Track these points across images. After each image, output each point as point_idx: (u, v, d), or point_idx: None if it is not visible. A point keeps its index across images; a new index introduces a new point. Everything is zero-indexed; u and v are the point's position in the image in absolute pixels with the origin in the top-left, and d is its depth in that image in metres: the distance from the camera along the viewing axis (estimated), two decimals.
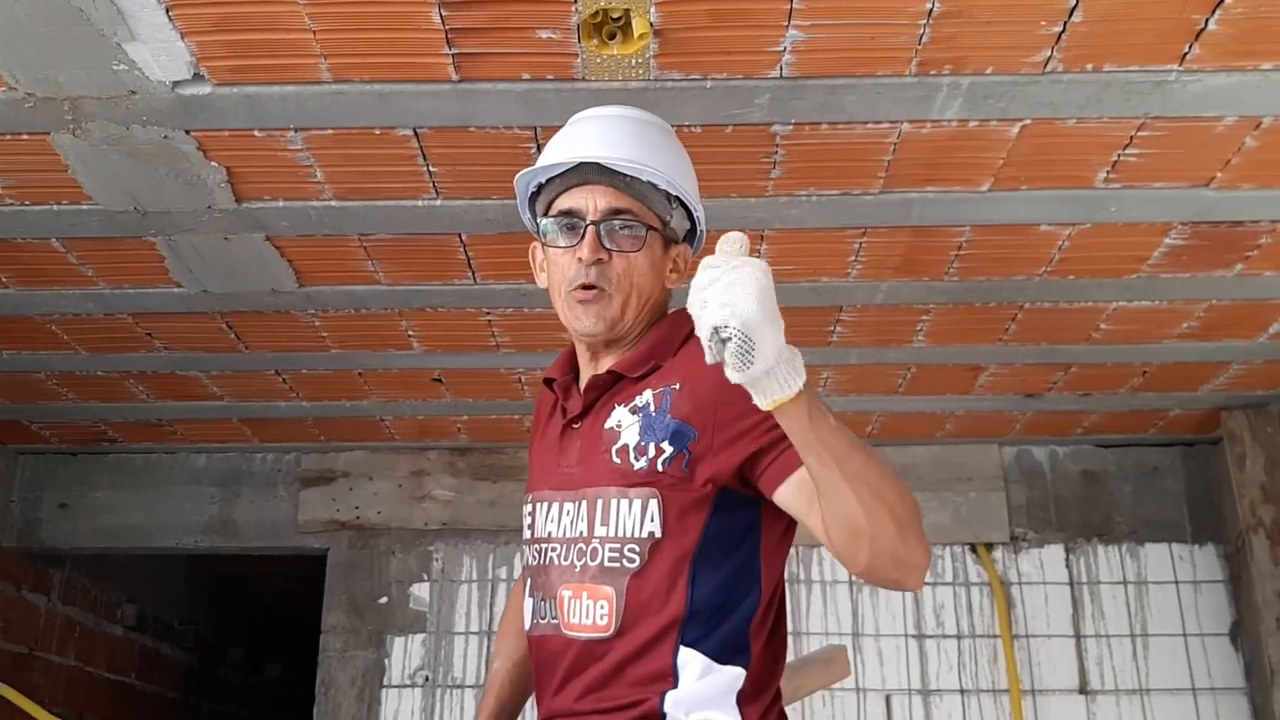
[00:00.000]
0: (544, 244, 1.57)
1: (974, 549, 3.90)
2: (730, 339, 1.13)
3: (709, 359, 1.15)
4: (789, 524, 1.44)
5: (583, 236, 1.48)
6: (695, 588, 1.37)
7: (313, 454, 4.04)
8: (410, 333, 3.09)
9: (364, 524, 3.97)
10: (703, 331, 1.15)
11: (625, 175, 1.49)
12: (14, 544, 3.98)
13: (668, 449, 1.39)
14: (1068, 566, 3.89)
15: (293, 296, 2.86)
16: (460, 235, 2.60)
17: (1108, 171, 2.33)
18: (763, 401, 1.19)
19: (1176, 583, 3.86)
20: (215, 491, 4.04)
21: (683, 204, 1.55)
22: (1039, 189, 2.40)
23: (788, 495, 1.34)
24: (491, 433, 3.89)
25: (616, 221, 1.49)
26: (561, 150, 1.54)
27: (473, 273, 2.76)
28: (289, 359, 3.26)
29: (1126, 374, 3.38)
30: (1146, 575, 3.87)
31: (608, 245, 1.48)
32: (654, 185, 1.50)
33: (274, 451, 4.06)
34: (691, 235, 1.61)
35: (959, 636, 3.81)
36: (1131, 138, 2.21)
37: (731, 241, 1.19)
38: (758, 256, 1.25)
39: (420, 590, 3.90)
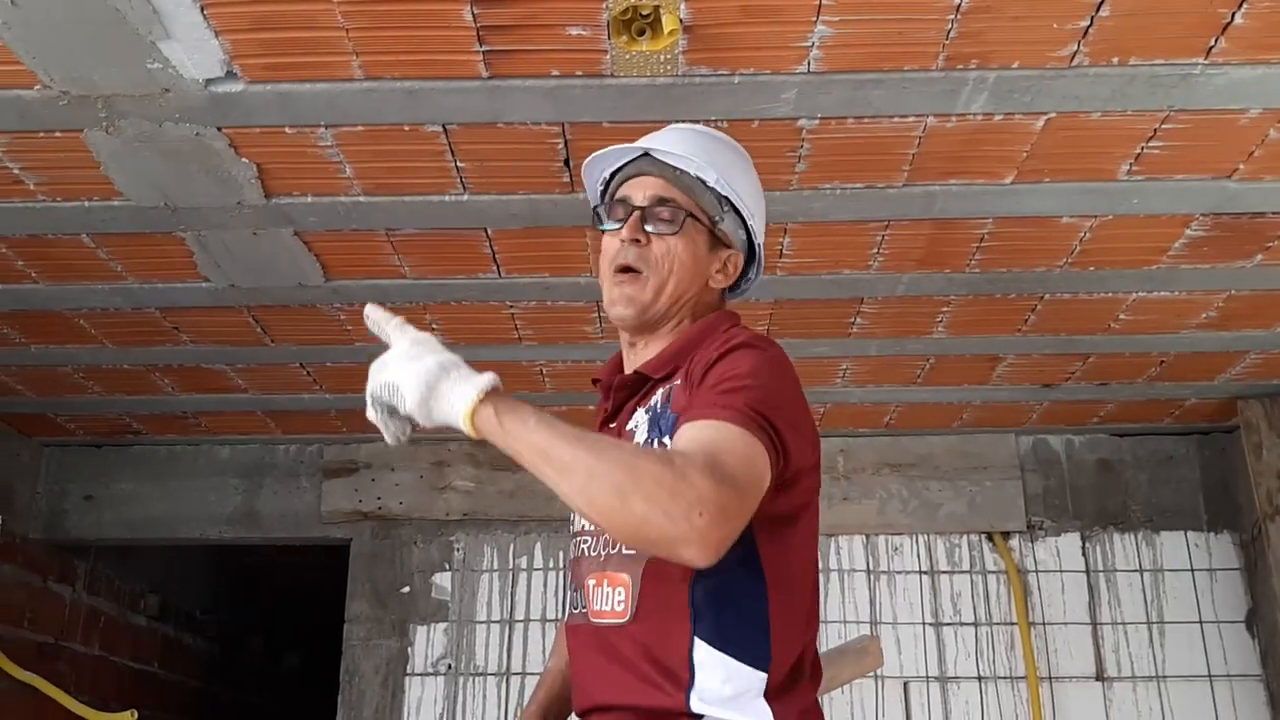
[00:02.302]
0: (602, 233, 1.61)
1: (991, 538, 3.93)
2: (375, 396, 1.29)
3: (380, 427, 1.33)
4: (793, 516, 1.41)
5: (627, 220, 1.53)
6: (696, 578, 1.36)
7: (335, 445, 4.08)
8: (434, 326, 3.11)
9: (386, 514, 4.00)
10: (370, 414, 1.33)
11: (676, 169, 1.54)
12: (40, 535, 4.02)
13: (669, 443, 1.39)
14: (1084, 554, 3.91)
15: (319, 290, 2.89)
16: (486, 230, 2.62)
17: (1131, 164, 2.35)
18: (460, 426, 1.25)
19: (1192, 570, 3.88)
20: (239, 483, 4.08)
21: (736, 211, 1.57)
22: (1062, 181, 2.41)
23: None
24: None
25: (662, 209, 1.53)
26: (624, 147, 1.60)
27: (497, 267, 2.79)
28: (314, 352, 3.29)
29: (1144, 364, 3.39)
30: (1162, 563, 3.89)
31: (649, 229, 1.52)
32: (704, 183, 1.53)
33: (297, 443, 4.09)
34: (752, 255, 1.62)
35: (976, 624, 3.84)
36: (1155, 130, 2.23)
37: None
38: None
39: (442, 580, 3.94)
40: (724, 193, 1.54)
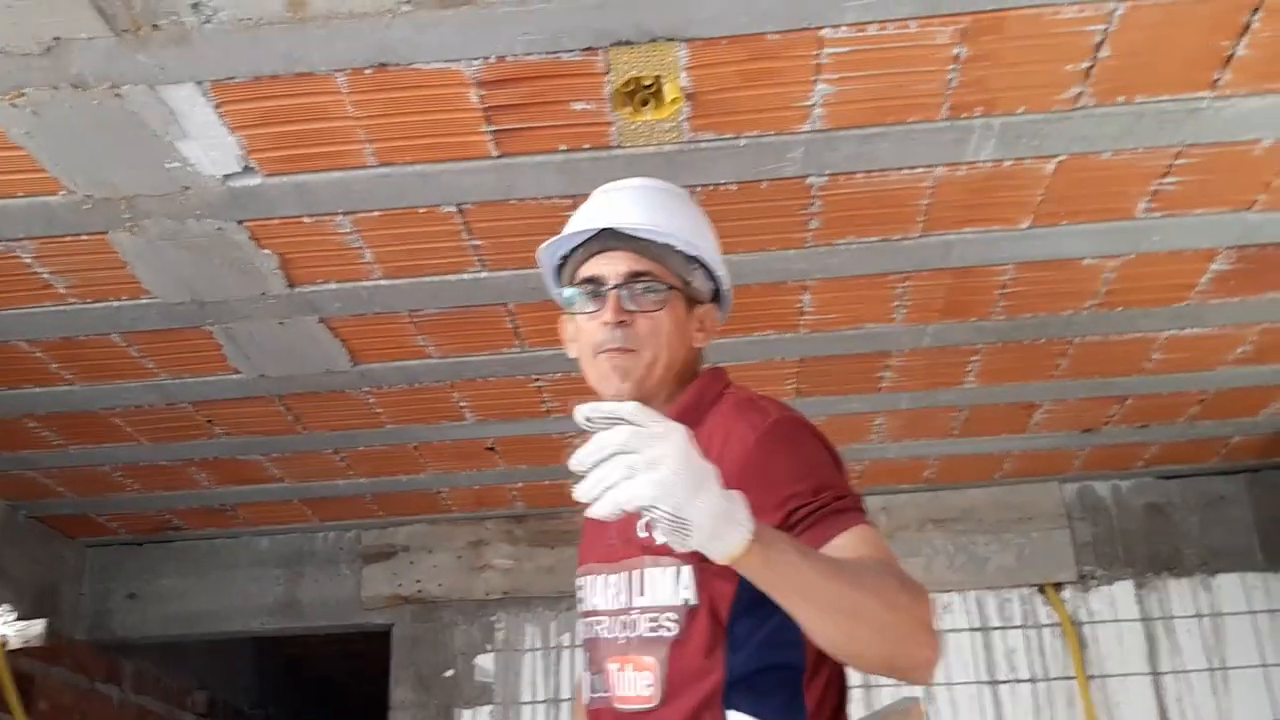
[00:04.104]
0: (571, 314, 1.58)
1: (1042, 590, 3.83)
2: (660, 520, 1.08)
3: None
4: None
5: (606, 301, 1.50)
6: (732, 653, 1.36)
7: (373, 530, 4.08)
8: (463, 404, 3.13)
9: (426, 597, 3.98)
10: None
11: (643, 239, 1.51)
12: (85, 636, 4.03)
13: None
14: (1139, 602, 3.80)
15: (347, 375, 2.92)
16: (507, 305, 2.64)
17: (1148, 201, 2.33)
18: (715, 558, 1.14)
19: (1252, 613, 3.76)
20: (279, 573, 4.08)
21: (703, 265, 1.57)
22: (1079, 223, 2.40)
23: None
24: (547, 498, 3.90)
25: (638, 285, 1.50)
26: (579, 221, 1.57)
27: (521, 340, 2.80)
28: (346, 437, 3.31)
29: (1183, 403, 3.33)
30: (1221, 607, 3.78)
31: (630, 307, 1.49)
32: (672, 247, 1.52)
33: (335, 530, 4.09)
34: (718, 297, 1.62)
35: (1033, 680, 3.73)
36: (1169, 166, 2.22)
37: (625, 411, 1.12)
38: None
39: (485, 661, 3.90)
40: (692, 254, 1.53)
